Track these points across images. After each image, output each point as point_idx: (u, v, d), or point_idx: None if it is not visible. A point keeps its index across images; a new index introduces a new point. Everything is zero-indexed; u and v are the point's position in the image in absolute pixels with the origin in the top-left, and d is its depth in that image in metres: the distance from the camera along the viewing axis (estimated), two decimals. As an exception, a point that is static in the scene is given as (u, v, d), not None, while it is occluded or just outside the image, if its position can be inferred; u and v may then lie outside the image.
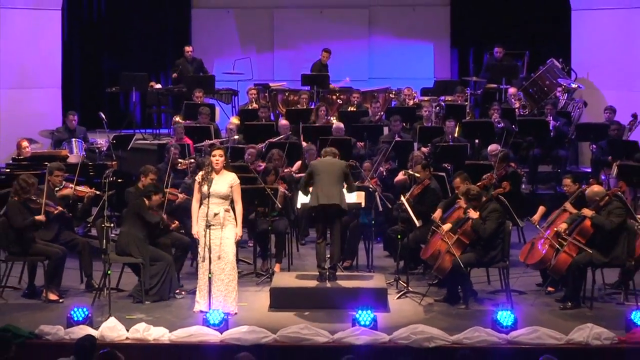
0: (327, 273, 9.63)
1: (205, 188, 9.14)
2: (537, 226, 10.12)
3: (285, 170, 11.92)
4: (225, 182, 9.23)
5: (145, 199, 9.91)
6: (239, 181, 9.34)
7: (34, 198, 9.85)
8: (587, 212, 9.45)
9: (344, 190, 9.70)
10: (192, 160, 12.06)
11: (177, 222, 10.31)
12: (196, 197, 9.32)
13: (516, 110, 14.79)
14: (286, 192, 11.04)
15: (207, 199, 9.14)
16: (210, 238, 9.09)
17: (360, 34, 17.89)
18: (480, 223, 9.47)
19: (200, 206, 9.23)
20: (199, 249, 9.28)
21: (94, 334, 8.05)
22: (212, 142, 13.29)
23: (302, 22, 17.85)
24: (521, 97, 15.26)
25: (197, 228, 9.23)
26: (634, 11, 15.09)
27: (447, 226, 9.73)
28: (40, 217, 9.72)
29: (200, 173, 9.39)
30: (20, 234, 9.70)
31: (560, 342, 8.25)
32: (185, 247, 10.20)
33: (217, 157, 9.22)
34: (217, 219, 9.13)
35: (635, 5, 15.04)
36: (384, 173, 11.89)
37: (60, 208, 10.05)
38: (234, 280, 9.30)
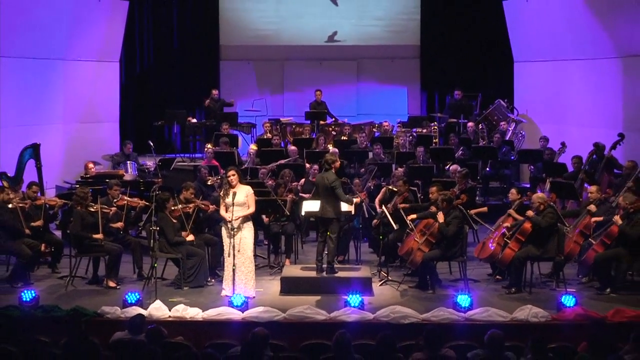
0: (324, 266, 9.56)
1: (230, 200, 9.15)
2: (474, 215, 10.22)
3: (294, 184, 11.91)
4: (243, 193, 9.25)
5: (167, 215, 9.79)
6: (252, 191, 9.39)
7: (92, 204, 9.85)
8: (528, 213, 9.53)
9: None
10: (219, 178, 12.03)
11: (214, 206, 10.08)
12: (222, 206, 9.34)
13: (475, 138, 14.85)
14: (294, 197, 11.03)
15: (231, 207, 9.14)
16: (234, 238, 9.08)
17: (350, 80, 17.91)
18: (444, 226, 9.48)
19: (226, 212, 9.24)
20: (225, 247, 9.27)
21: (143, 313, 8.04)
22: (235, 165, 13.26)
23: (306, 71, 17.85)
24: (478, 129, 15.23)
25: (228, 217, 9.16)
26: (561, 63, 15.15)
27: (412, 216, 9.77)
28: (99, 236, 9.67)
29: (222, 189, 9.42)
30: (82, 237, 9.68)
31: (506, 319, 8.23)
32: (217, 245, 10.09)
33: (231, 177, 9.26)
34: (238, 221, 9.14)
35: (562, 58, 15.11)
36: (372, 187, 11.91)
37: (114, 209, 10.05)
38: (252, 271, 9.28)
